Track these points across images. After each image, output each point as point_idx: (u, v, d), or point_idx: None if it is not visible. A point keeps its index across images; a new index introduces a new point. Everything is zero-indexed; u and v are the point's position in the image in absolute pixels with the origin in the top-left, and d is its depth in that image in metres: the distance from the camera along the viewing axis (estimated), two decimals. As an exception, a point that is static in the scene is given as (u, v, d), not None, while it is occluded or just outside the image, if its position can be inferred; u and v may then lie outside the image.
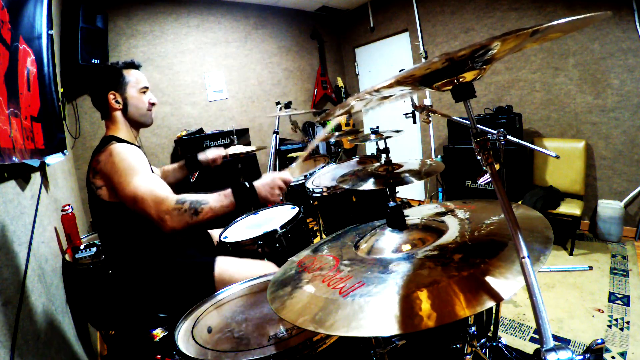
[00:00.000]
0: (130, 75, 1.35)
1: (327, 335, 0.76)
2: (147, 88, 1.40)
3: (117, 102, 1.32)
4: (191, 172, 1.70)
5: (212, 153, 1.74)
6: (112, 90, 1.31)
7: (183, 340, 0.90)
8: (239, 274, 1.26)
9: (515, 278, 0.51)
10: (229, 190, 1.12)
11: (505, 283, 0.50)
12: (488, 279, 0.52)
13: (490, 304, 0.48)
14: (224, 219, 1.15)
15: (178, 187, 1.47)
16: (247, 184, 1.15)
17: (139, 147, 1.35)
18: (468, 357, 0.82)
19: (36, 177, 1.46)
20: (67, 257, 1.67)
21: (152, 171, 1.25)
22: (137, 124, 1.40)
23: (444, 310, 0.49)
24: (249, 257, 1.47)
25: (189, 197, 1.08)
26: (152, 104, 1.40)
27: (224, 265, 1.30)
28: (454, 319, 0.47)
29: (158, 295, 1.24)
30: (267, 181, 1.18)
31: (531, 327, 1.86)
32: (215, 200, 1.10)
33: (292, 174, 1.26)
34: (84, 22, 2.61)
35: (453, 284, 0.54)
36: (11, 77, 1.16)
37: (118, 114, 1.34)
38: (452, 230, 0.74)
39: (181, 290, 1.24)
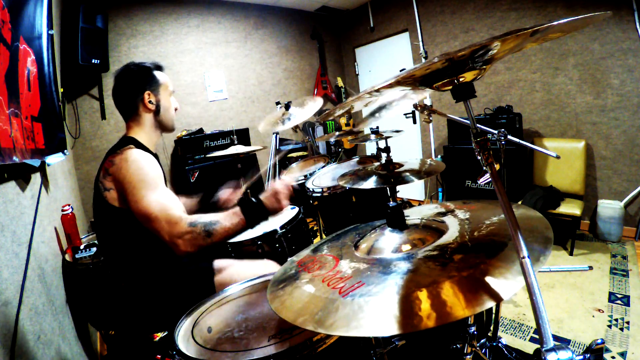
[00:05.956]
0: (161, 76, 1.31)
1: (327, 335, 0.76)
2: (172, 92, 1.37)
3: (151, 102, 1.28)
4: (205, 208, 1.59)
5: (224, 194, 1.61)
6: (148, 90, 1.27)
7: (183, 340, 0.90)
8: (238, 275, 1.25)
9: (515, 278, 0.51)
10: (237, 208, 1.09)
11: (505, 283, 0.50)
12: (488, 279, 0.52)
13: (490, 304, 0.48)
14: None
15: (178, 188, 1.46)
16: (253, 199, 1.12)
17: (155, 155, 1.32)
18: (468, 357, 0.82)
19: (36, 177, 1.46)
20: (67, 257, 1.67)
21: (166, 183, 1.23)
22: (164, 128, 1.36)
23: (444, 311, 0.49)
24: (248, 257, 1.47)
25: (201, 219, 1.04)
26: (175, 109, 1.38)
27: (223, 268, 1.29)
28: (453, 319, 0.47)
29: (158, 302, 1.23)
30: (271, 192, 1.13)
31: (531, 327, 1.86)
32: (226, 219, 1.06)
33: (292, 176, 1.22)
34: (84, 22, 2.61)
35: (453, 284, 0.53)
36: (12, 77, 1.16)
37: (148, 116, 1.29)
38: (452, 230, 0.74)
39: (182, 298, 1.22)
